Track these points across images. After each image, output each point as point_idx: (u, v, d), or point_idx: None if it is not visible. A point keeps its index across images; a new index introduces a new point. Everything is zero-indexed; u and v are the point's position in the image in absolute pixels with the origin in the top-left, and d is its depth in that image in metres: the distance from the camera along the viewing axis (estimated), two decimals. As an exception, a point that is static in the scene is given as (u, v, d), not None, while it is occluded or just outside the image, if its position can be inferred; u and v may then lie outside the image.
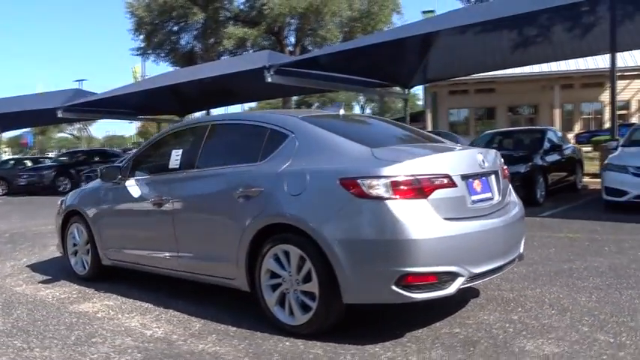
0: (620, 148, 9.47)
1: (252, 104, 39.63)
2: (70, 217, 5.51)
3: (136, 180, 4.76)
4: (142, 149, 5.01)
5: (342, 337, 3.40)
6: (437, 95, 31.51)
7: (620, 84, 28.98)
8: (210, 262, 4.05)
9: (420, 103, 69.32)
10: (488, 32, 13.03)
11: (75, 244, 5.46)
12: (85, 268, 5.35)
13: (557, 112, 27.99)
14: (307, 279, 3.43)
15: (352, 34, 20.20)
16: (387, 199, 3.14)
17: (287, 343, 3.39)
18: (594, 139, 22.12)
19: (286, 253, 3.53)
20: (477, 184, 3.57)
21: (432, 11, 32.43)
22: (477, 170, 3.59)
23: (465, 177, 3.45)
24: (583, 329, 3.45)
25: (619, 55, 16.15)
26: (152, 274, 4.80)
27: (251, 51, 22.25)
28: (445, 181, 3.30)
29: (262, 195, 3.62)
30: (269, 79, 11.96)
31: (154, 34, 21.93)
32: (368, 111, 56.80)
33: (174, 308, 4.26)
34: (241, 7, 20.59)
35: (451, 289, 3.21)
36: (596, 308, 3.85)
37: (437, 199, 3.24)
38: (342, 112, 4.29)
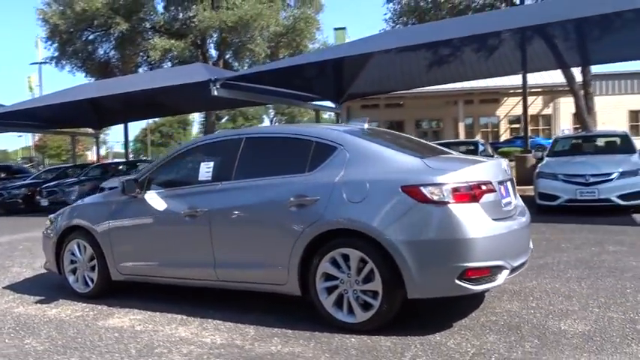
0: (546, 158, 10.65)
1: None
2: (66, 234, 5.35)
3: (157, 193, 4.78)
4: (158, 164, 5.02)
5: (400, 330, 3.72)
6: (350, 109, 32.80)
7: (514, 100, 32.09)
8: (256, 269, 4.20)
9: (326, 116, 71.03)
10: (411, 54, 14.27)
11: (73, 262, 5.30)
12: (88, 285, 5.21)
13: (461, 126, 30.10)
14: (368, 279, 3.73)
15: (278, 49, 20.63)
16: (448, 203, 3.55)
17: (353, 340, 3.66)
18: (499, 150, 24.03)
19: (345, 257, 3.81)
20: (503, 189, 4.08)
21: (343, 28, 33.72)
22: (505, 177, 4.11)
23: (499, 183, 3.95)
24: (595, 310, 4.06)
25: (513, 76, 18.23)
26: (164, 285, 4.85)
27: (170, 64, 21.88)
28: (489, 186, 3.77)
29: (319, 203, 3.88)
30: (215, 93, 12.00)
31: (69, 42, 20.80)
32: (276, 124, 57.31)
33: (211, 317, 4.35)
34: (166, 18, 20.14)
35: (499, 280, 3.68)
36: (593, 294, 4.50)
37: (485, 203, 3.70)
38: (366, 125, 4.64)
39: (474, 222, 3.58)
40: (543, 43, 13.97)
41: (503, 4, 18.36)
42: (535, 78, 28.61)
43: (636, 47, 13.82)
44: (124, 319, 4.50)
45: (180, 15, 19.95)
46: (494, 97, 32.54)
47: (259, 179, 4.29)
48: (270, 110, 51.44)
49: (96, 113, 19.45)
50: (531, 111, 33.24)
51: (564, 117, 32.08)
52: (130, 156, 29.66)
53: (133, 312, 4.67)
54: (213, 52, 22.66)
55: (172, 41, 18.21)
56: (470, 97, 32.05)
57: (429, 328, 3.78)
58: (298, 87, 14.73)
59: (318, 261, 3.89)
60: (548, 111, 33.33)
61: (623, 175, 9.01)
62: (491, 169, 4.03)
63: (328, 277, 3.89)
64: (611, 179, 9.00)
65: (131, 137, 57.63)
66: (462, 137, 28.14)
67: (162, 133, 62.42)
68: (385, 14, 22.17)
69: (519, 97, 32.01)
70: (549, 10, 11.93)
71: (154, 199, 4.77)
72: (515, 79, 24.16)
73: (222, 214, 4.35)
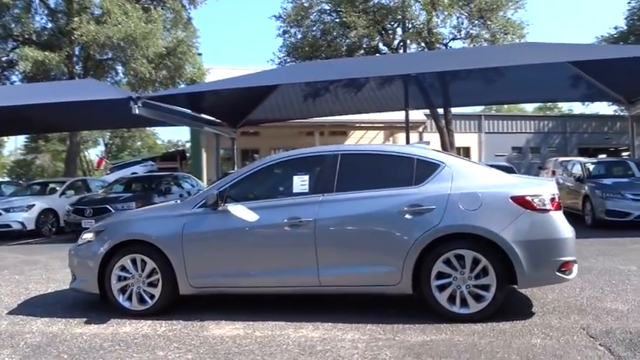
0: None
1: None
2: (114, 250, 5.10)
3: (242, 205, 4.91)
4: (238, 177, 5.11)
5: (500, 317, 4.47)
6: (202, 135, 32.84)
7: (360, 133, 35.13)
8: (366, 272, 4.62)
9: (159, 141, 68.54)
10: (300, 88, 15.76)
11: (124, 279, 5.07)
12: (145, 302, 5.02)
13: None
14: (479, 275, 4.45)
15: (158, 70, 19.99)
16: (548, 210, 4.48)
17: (475, 326, 4.31)
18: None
19: (458, 257, 4.48)
20: None
21: (200, 54, 33.75)
22: None
23: (555, 196, 4.99)
24: (631, 296, 5.20)
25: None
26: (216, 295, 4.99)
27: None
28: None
29: (435, 211, 4.50)
30: (136, 111, 11.61)
31: None
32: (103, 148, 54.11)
33: (306, 320, 4.61)
34: (39, 28, 18.21)
35: (575, 271, 4.67)
36: (609, 282, 5.73)
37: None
38: (430, 146, 5.38)
39: (565, 225, 4.55)
40: (416, 87, 16.36)
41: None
42: (377, 115, 31.90)
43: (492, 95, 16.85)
44: (226, 328, 4.53)
45: (49, 25, 18.34)
46: (343, 129, 35.20)
47: (365, 192, 4.76)
48: (107, 133, 48.39)
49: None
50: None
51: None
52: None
53: (220, 323, 4.68)
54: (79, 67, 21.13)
55: (46, 53, 16.62)
56: (322, 129, 34.39)
57: (519, 315, 4.59)
58: (205, 111, 14.87)
59: (434, 261, 4.50)
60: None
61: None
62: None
63: (441, 275, 4.51)
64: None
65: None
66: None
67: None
68: (281, 47, 23.14)
69: (364, 131, 35.44)
70: (419, 62, 14.29)
71: (241, 211, 4.89)
72: (361, 116, 27.16)
73: (330, 223, 4.70)
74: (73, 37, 16.89)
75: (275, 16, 23.37)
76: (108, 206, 12.29)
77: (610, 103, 32.68)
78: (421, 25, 20.11)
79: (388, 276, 4.60)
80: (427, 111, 25.36)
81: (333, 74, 13.88)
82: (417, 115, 21.86)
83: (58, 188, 15.04)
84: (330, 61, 19.19)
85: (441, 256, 4.50)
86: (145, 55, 18.06)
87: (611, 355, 3.60)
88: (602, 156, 32.48)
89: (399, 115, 28.83)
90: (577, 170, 12.35)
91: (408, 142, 17.76)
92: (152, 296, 5.03)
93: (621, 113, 35.23)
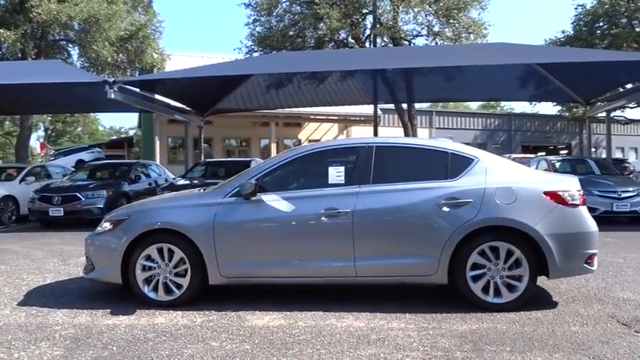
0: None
1: None
2: (139, 240, 4.95)
3: (278, 195, 4.88)
4: (271, 167, 5.06)
5: (530, 307, 4.69)
6: (156, 122, 31.96)
7: (314, 125, 35.26)
8: (403, 263, 4.71)
9: (101, 128, 66.23)
10: (267, 79, 15.83)
11: (149, 269, 4.93)
12: (172, 292, 4.90)
13: (273, 146, 31.85)
14: (512, 266, 4.64)
15: (118, 54, 19.18)
16: (578, 205, 4.72)
17: (510, 315, 4.50)
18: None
19: (492, 248, 4.65)
20: None
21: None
22: None
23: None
24: (634, 286, 5.55)
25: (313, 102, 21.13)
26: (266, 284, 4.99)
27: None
28: (582, 193, 5.05)
29: (472, 205, 4.65)
30: (112, 96, 11.21)
31: None
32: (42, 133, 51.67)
33: (343, 310, 4.66)
34: None
35: (596, 264, 4.94)
36: (606, 273, 6.09)
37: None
38: (452, 141, 5.52)
39: (591, 219, 4.80)
40: (383, 83, 16.67)
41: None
42: (331, 108, 32.17)
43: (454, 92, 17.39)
44: (266, 318, 4.50)
45: (2, 1, 17.13)
46: (298, 121, 35.16)
47: (401, 184, 4.84)
48: (47, 117, 46.15)
49: None
50: (329, 136, 37.01)
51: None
52: None
53: (270, 314, 4.63)
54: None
55: (1, 31, 15.53)
56: (277, 119, 34.22)
57: (545, 305, 4.83)
58: (177, 98, 14.53)
59: (469, 253, 4.65)
60: (342, 137, 37.30)
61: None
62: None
63: (475, 266, 4.67)
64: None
65: None
66: (273, 155, 29.87)
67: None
68: (248, 36, 22.72)
69: (318, 123, 35.59)
70: (386, 57, 14.59)
71: (277, 201, 4.86)
72: (316, 108, 27.42)
73: (368, 214, 4.75)
74: (31, 15, 15.97)
75: (245, 4, 23.01)
76: (78, 194, 11.79)
77: (561, 107, 34.49)
78: (391, 21, 20.38)
79: (425, 267, 4.70)
80: (382, 105, 25.87)
81: (309, 66, 13.91)
82: (371, 109, 22.23)
83: (15, 174, 14.27)
84: (304, 53, 19.17)
85: (476, 247, 4.65)
86: (106, 38, 17.33)
87: (652, 340, 3.86)
88: (542, 153, 34.16)
89: (353, 109, 29.29)
90: (543, 167, 12.95)
91: (376, 135, 18.02)
92: (179, 286, 4.92)
93: (562, 114, 37.14)
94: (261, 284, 5.14)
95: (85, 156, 34.71)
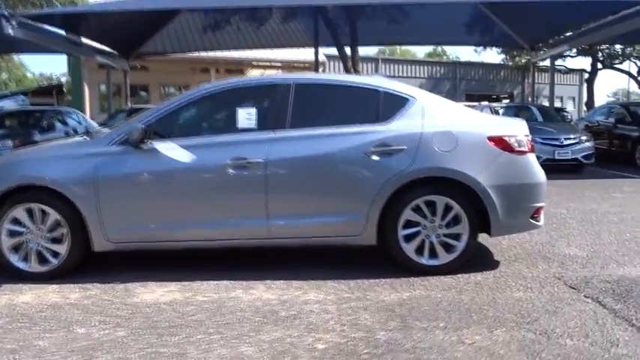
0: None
1: None
2: (2, 199, 4.01)
3: (175, 142, 4.02)
4: (165, 109, 4.14)
5: (469, 269, 4.11)
6: (84, 67, 29.78)
7: (256, 73, 33.74)
8: (325, 222, 3.99)
9: (29, 74, 62.04)
10: (197, 17, 14.50)
11: (17, 234, 4.02)
12: (48, 262, 4.02)
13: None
14: (450, 223, 4.00)
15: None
16: (526, 152, 4.09)
17: (446, 279, 3.90)
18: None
19: (428, 203, 3.99)
20: None
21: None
22: None
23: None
24: (580, 240, 5.10)
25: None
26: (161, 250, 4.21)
27: None
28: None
29: (406, 152, 3.94)
30: (9, 32, 9.75)
31: None
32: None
33: (254, 279, 3.92)
34: None
35: (543, 219, 4.38)
36: (550, 226, 5.61)
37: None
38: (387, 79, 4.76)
39: (539, 168, 4.20)
40: (324, 24, 15.69)
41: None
42: (275, 54, 30.80)
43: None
44: (162, 292, 3.72)
45: None
46: (240, 67, 33.54)
47: (324, 129, 4.06)
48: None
49: None
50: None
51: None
52: None
53: (166, 285, 3.84)
54: None
55: None
56: (217, 65, 32.54)
57: (484, 265, 4.27)
58: (96, 38, 13.01)
59: (402, 209, 3.97)
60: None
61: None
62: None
63: (408, 224, 4.01)
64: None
65: None
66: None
67: None
68: None
69: (262, 70, 34.18)
70: None
71: (174, 149, 4.00)
72: (257, 53, 26.10)
73: (284, 165, 3.97)
74: None
75: None
76: None
77: (505, 56, 34.30)
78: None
79: (350, 225, 4.01)
80: (327, 51, 24.76)
81: (242, 1, 12.71)
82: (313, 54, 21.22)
83: None
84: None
85: (410, 202, 3.97)
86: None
87: (604, 308, 3.33)
88: (485, 103, 34.17)
89: (297, 55, 28.06)
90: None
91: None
92: (56, 254, 4.04)
93: (506, 62, 37.13)
94: (157, 250, 4.32)
95: (7, 104, 32.00)
